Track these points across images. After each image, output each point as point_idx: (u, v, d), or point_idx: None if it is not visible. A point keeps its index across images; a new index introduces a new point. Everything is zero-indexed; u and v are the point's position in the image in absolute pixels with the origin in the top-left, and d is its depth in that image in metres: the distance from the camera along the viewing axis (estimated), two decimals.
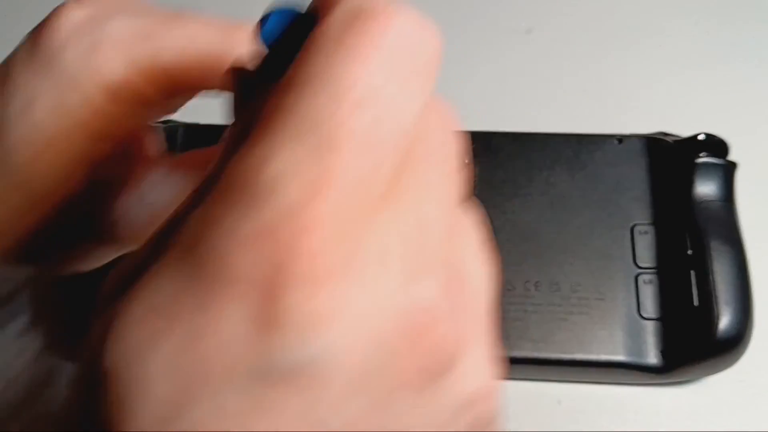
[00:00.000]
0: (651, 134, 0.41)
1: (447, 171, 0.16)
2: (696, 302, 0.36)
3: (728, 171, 0.38)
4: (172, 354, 0.14)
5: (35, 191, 0.23)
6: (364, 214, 0.14)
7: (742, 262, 0.36)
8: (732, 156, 0.38)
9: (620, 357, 0.37)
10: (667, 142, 0.40)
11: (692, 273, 0.36)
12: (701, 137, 0.38)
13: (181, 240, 0.14)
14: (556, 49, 0.49)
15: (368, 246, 0.14)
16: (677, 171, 0.38)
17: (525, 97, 0.47)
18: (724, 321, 0.35)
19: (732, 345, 0.35)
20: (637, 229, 0.39)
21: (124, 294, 0.14)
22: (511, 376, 0.39)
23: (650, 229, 0.39)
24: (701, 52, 0.48)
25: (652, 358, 0.37)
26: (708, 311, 0.35)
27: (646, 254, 0.38)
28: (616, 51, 0.49)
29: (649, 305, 0.38)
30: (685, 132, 0.40)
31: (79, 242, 0.26)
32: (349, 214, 0.14)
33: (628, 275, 0.38)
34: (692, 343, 0.36)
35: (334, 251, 0.13)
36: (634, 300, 0.38)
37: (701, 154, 0.38)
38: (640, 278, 0.38)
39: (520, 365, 0.37)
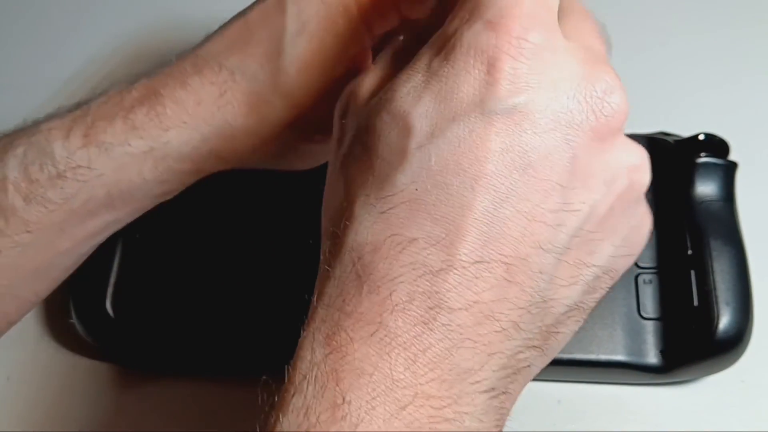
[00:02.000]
0: (651, 134, 0.41)
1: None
2: (696, 302, 0.36)
3: (729, 171, 0.38)
4: (433, 103, 0.22)
5: (295, 99, 0.31)
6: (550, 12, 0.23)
7: (742, 262, 0.36)
8: (732, 156, 0.38)
9: (620, 357, 0.37)
10: (667, 142, 0.40)
11: (692, 273, 0.36)
12: (701, 137, 0.38)
13: (434, 44, 0.23)
14: None
15: (558, 38, 0.23)
16: (677, 171, 0.38)
17: None
18: (724, 321, 0.35)
19: (732, 345, 0.35)
20: None
21: (387, 88, 0.24)
22: None
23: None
24: (702, 52, 0.48)
25: (652, 357, 0.37)
26: (708, 311, 0.35)
27: (646, 254, 0.38)
28: (617, 51, 0.49)
29: (649, 305, 0.38)
30: (685, 132, 0.40)
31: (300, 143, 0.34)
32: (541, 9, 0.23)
33: (628, 275, 0.38)
34: (692, 343, 0.36)
35: (535, 36, 0.22)
36: (634, 300, 0.38)
37: (702, 154, 0.38)
38: (640, 278, 0.38)
39: None
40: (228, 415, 0.39)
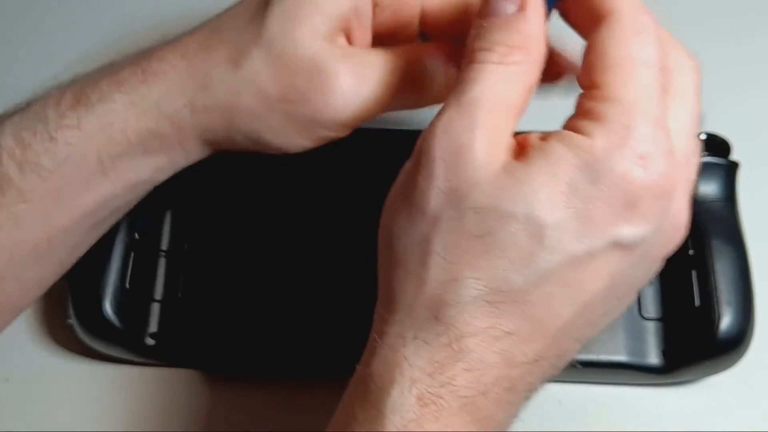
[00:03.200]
0: None
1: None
2: (697, 302, 0.36)
3: (730, 171, 0.38)
4: (569, 221, 0.24)
5: (276, 56, 0.30)
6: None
7: (744, 262, 0.36)
8: (734, 156, 0.38)
9: (621, 357, 0.37)
10: None
11: (694, 273, 0.36)
12: (703, 137, 0.38)
13: (580, 153, 0.24)
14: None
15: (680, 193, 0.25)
16: None
17: None
18: (726, 321, 0.35)
19: (733, 345, 0.35)
20: None
21: (524, 181, 0.24)
22: None
23: None
24: (702, 52, 0.48)
25: (654, 358, 0.37)
26: (709, 311, 0.35)
27: None
28: None
29: (651, 305, 0.37)
30: None
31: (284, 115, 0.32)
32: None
33: None
34: (693, 344, 0.36)
35: (672, 182, 0.24)
36: (635, 300, 0.37)
37: (703, 154, 0.38)
38: None
39: None
40: (231, 413, 0.39)
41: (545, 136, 0.25)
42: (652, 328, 0.37)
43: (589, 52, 0.25)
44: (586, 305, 0.25)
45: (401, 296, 0.25)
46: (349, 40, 0.31)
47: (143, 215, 0.39)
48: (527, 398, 0.26)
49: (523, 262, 0.24)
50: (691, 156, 0.26)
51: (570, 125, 0.25)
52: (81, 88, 0.32)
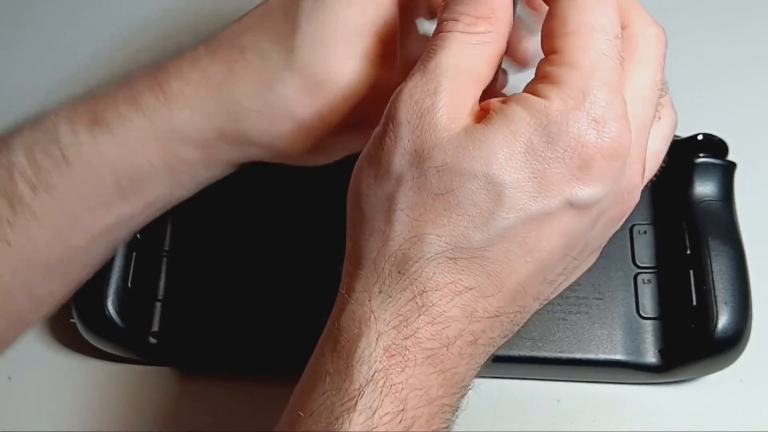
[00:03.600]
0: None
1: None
2: (695, 301, 0.36)
3: (727, 171, 0.38)
4: (526, 180, 0.24)
5: (311, 79, 0.30)
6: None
7: (741, 261, 0.36)
8: (731, 156, 0.39)
9: (619, 356, 0.37)
10: None
11: (691, 272, 0.36)
12: (700, 137, 0.38)
13: (535, 113, 0.25)
14: None
15: (637, 152, 0.26)
16: (676, 171, 0.38)
17: None
18: (723, 320, 0.35)
19: (730, 344, 0.35)
20: (636, 228, 0.39)
21: (483, 142, 0.24)
22: (510, 375, 0.39)
23: (649, 228, 0.39)
24: (700, 52, 0.48)
25: (651, 357, 0.37)
26: (706, 310, 0.35)
27: (645, 254, 0.39)
28: None
29: (648, 305, 0.38)
30: (684, 132, 0.40)
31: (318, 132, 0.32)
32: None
33: (627, 275, 0.38)
34: (691, 343, 0.36)
35: (626, 144, 0.25)
36: (633, 299, 0.38)
37: (700, 154, 0.38)
38: (639, 278, 0.38)
39: (520, 364, 0.37)
40: (232, 413, 0.39)
41: (506, 100, 0.26)
42: (650, 327, 0.37)
43: (549, 18, 0.26)
44: (542, 263, 0.26)
45: (367, 252, 0.26)
46: (381, 51, 0.31)
47: None
48: (488, 353, 0.27)
49: (482, 219, 0.24)
50: (649, 122, 0.27)
51: (530, 89, 0.26)
52: (96, 106, 0.31)
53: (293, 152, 0.32)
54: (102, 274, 0.37)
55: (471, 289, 0.25)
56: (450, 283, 0.25)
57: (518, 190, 0.24)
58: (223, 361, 0.39)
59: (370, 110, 0.30)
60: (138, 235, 0.38)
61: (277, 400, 0.39)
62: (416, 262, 0.25)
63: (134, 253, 0.38)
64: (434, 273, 0.25)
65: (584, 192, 0.25)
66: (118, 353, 0.39)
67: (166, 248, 0.40)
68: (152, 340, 0.39)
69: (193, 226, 0.41)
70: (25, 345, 0.41)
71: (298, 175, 0.40)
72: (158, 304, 0.39)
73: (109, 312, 0.37)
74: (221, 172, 0.33)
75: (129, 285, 0.38)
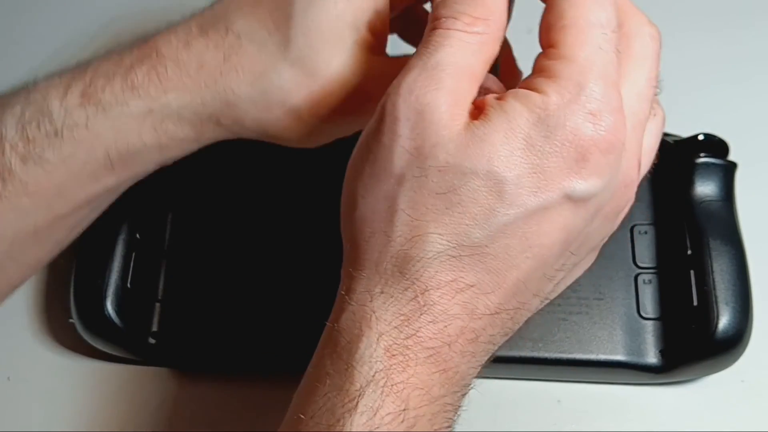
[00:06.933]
0: None
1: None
2: (695, 302, 0.36)
3: (728, 171, 0.38)
4: (526, 175, 0.24)
5: (307, 69, 0.31)
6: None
7: (742, 262, 0.36)
8: (731, 156, 0.39)
9: (620, 357, 0.37)
10: (667, 142, 0.40)
11: (692, 273, 0.36)
12: (701, 137, 0.38)
13: (534, 109, 0.25)
14: None
15: (633, 144, 0.26)
16: (677, 171, 0.38)
17: None
18: (724, 320, 0.35)
19: (731, 344, 0.35)
20: (636, 229, 0.39)
21: (484, 139, 0.24)
22: (511, 376, 0.39)
23: (650, 229, 0.39)
24: (701, 53, 0.48)
25: (652, 357, 0.37)
26: (707, 311, 0.35)
27: (645, 254, 0.39)
28: None
29: (649, 305, 0.38)
30: (684, 132, 0.40)
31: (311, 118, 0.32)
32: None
33: (627, 275, 0.38)
34: (691, 343, 0.36)
35: (622, 139, 0.25)
36: (633, 300, 0.38)
37: (701, 155, 0.38)
38: (640, 278, 0.38)
39: (520, 365, 0.37)
40: (232, 413, 0.39)
41: (502, 96, 0.26)
42: (651, 327, 0.37)
43: (547, 13, 0.26)
44: (542, 258, 0.26)
45: (368, 253, 0.26)
46: (373, 41, 0.32)
47: (145, 215, 0.39)
48: (489, 351, 0.27)
49: (483, 216, 0.25)
50: (645, 119, 0.27)
51: (526, 83, 0.26)
52: (90, 81, 0.31)
53: (286, 137, 0.33)
54: (101, 274, 0.37)
55: (472, 286, 0.25)
56: (451, 281, 0.25)
57: (518, 186, 0.24)
58: (223, 362, 0.39)
59: (364, 98, 0.30)
60: (138, 235, 0.39)
61: (277, 400, 0.39)
62: (418, 261, 0.25)
63: (133, 254, 0.38)
64: (436, 272, 0.25)
65: (581, 185, 0.25)
66: (117, 353, 0.39)
67: (166, 249, 0.40)
68: (151, 341, 0.39)
69: (192, 226, 0.41)
70: (24, 345, 0.41)
71: (298, 175, 0.40)
72: (157, 305, 0.39)
73: (108, 312, 0.37)
74: (211, 143, 0.34)
75: (128, 285, 0.38)
